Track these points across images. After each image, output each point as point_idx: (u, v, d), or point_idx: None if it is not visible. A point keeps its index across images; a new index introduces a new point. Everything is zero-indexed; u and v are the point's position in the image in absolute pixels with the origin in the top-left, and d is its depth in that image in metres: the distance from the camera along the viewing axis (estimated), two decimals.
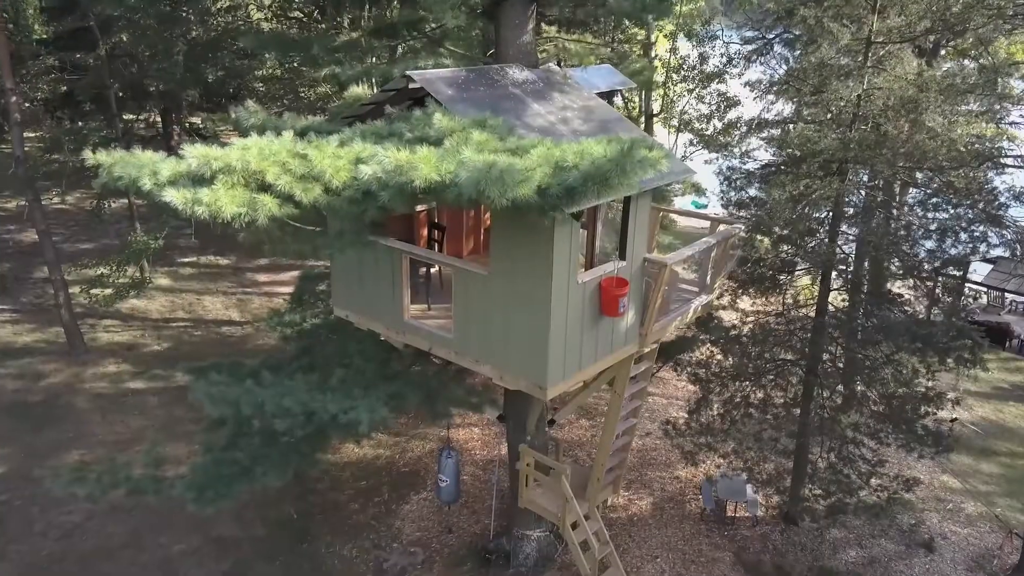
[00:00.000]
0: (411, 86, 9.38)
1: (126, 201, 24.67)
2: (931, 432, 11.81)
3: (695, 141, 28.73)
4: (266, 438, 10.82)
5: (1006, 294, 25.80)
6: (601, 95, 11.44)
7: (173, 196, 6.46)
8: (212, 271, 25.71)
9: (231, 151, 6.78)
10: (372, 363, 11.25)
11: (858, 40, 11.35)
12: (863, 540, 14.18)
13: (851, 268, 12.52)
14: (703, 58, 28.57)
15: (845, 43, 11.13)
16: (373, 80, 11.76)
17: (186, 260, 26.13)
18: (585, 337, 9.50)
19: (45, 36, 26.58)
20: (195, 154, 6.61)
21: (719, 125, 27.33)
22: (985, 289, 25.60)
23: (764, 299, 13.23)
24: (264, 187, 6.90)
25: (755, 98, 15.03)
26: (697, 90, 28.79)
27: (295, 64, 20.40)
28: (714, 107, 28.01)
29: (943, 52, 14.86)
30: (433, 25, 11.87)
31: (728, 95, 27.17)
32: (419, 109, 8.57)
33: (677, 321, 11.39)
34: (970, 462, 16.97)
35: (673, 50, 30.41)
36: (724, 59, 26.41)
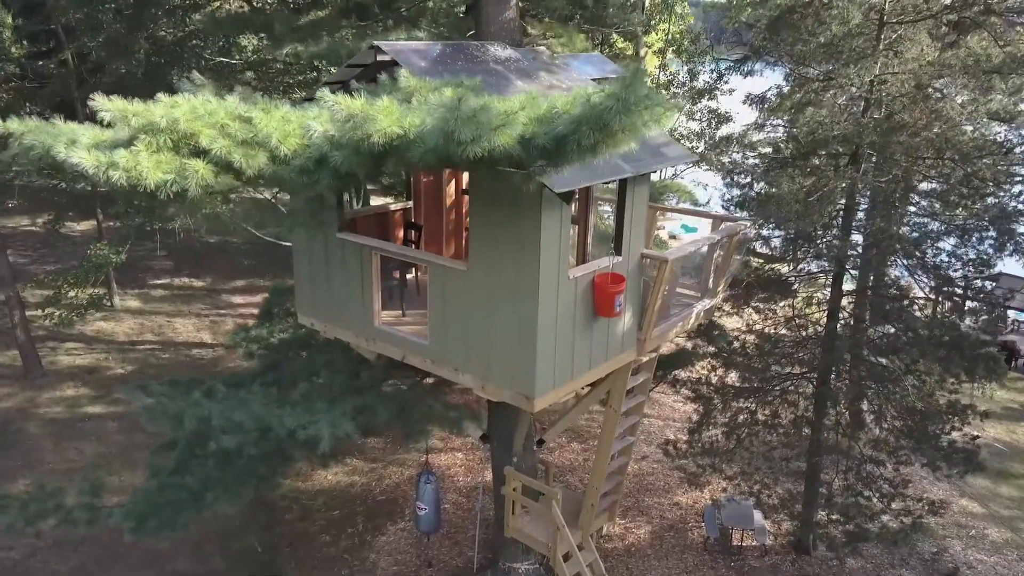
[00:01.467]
0: (380, 59, 8.38)
1: (95, 222, 23.54)
2: (958, 449, 10.73)
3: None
4: (220, 460, 9.63)
5: (1008, 312, 24.97)
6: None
7: (83, 158, 5.39)
8: (185, 293, 24.55)
9: (155, 107, 5.71)
10: (340, 376, 10.12)
11: (870, 21, 10.48)
12: (882, 570, 12.99)
13: (863, 270, 11.53)
14: (692, 74, 27.96)
15: (856, 23, 10.24)
16: (342, 58, 10.77)
17: (158, 282, 24.99)
18: (577, 341, 8.41)
19: (20, 57, 25.78)
20: (109, 107, 5.54)
21: (710, 142, 26.58)
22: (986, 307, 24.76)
23: (770, 304, 12.18)
24: (198, 152, 5.84)
25: (750, 104, 14.16)
26: (687, 107, 28.10)
27: (267, 59, 19.39)
28: (705, 124, 27.33)
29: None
30: (404, 9, 10.94)
31: (719, 111, 26.47)
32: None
33: (678, 327, 10.32)
34: (989, 485, 15.88)
35: (663, 66, 29.77)
36: (715, 75, 25.74)
